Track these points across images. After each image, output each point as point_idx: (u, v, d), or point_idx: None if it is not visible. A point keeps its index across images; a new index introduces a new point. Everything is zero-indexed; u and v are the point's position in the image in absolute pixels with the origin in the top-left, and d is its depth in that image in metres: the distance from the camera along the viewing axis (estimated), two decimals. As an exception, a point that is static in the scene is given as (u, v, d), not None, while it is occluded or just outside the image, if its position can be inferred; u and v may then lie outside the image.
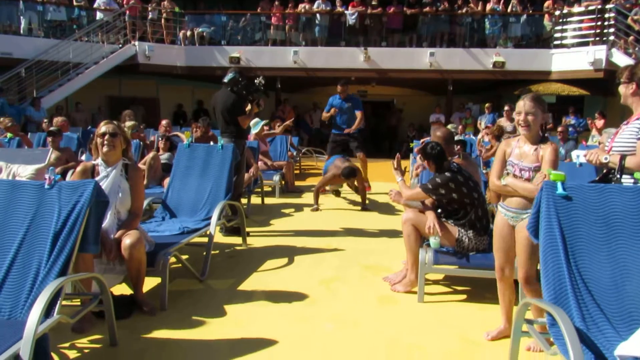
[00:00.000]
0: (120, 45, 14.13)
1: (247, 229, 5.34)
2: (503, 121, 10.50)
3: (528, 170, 2.90)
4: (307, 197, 8.09)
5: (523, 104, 2.92)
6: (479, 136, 8.64)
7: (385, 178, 9.28)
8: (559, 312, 2.16)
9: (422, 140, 8.92)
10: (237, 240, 5.26)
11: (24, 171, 4.81)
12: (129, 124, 7.59)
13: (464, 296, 3.91)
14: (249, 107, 5.55)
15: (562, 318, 2.11)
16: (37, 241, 2.67)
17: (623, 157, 2.80)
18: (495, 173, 3.04)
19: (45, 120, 9.57)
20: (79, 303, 3.07)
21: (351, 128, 8.16)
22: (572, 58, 13.83)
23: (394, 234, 5.73)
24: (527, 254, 2.88)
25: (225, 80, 5.54)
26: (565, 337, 2.02)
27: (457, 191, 3.75)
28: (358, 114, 8.25)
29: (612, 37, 13.22)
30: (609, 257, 2.43)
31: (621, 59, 12.55)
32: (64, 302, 2.64)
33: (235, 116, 5.48)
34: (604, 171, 2.91)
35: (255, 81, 5.66)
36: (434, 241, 3.73)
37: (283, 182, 8.63)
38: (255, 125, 8.44)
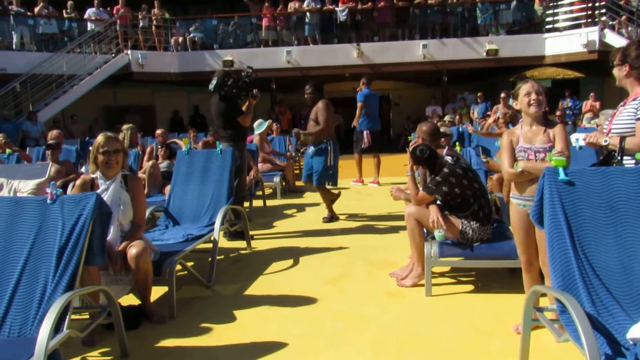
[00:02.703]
0: (113, 55, 14.14)
1: (251, 232, 5.34)
2: (500, 107, 10.49)
3: (543, 151, 2.87)
4: (309, 197, 8.08)
5: (531, 85, 2.92)
6: (489, 121, 8.64)
7: (384, 172, 9.30)
8: (568, 299, 2.15)
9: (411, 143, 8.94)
10: (241, 244, 5.26)
11: (24, 186, 4.82)
12: (126, 126, 7.58)
13: (471, 287, 3.91)
14: (246, 104, 5.51)
15: (572, 304, 2.10)
16: (42, 257, 2.67)
17: (623, 139, 2.80)
18: (508, 163, 2.98)
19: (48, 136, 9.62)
20: (87, 316, 3.08)
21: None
22: (565, 41, 13.83)
23: (396, 229, 5.73)
24: None
25: (211, 87, 5.48)
26: (576, 323, 2.01)
27: (458, 185, 3.75)
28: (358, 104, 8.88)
29: (604, 18, 13.21)
30: (616, 240, 2.43)
31: (615, 40, 12.55)
32: (72, 316, 2.64)
33: (232, 119, 5.45)
34: (605, 153, 2.91)
35: (243, 74, 5.58)
36: (438, 234, 3.71)
37: (284, 183, 8.63)
38: (260, 126, 8.45)
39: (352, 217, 6.52)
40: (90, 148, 3.56)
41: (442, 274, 4.19)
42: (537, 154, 2.89)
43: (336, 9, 15.12)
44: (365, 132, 8.88)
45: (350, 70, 15.07)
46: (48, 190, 2.90)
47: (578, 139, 5.28)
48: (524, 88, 2.94)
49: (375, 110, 9.06)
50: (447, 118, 11.99)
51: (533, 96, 2.90)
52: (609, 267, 2.39)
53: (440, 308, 3.53)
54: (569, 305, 2.11)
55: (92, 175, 3.50)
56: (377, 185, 8.98)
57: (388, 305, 3.61)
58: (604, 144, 2.86)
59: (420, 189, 3.97)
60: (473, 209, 3.76)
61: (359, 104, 8.85)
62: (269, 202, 7.74)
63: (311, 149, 6.05)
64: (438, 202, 3.92)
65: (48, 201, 2.84)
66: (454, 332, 3.14)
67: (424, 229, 3.91)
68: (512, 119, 7.78)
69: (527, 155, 2.93)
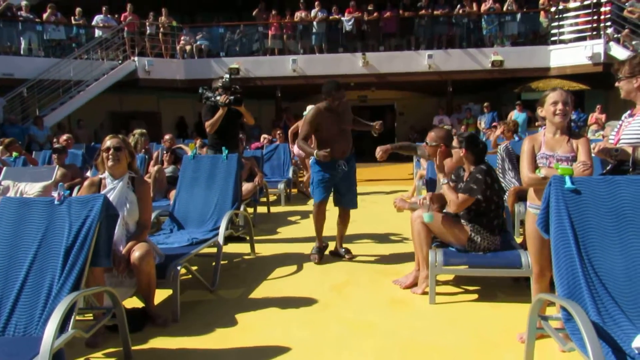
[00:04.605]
0: (120, 62, 14.25)
1: (255, 238, 5.33)
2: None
3: (565, 160, 2.85)
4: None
5: (559, 94, 2.89)
6: (496, 133, 8.65)
7: (389, 181, 9.33)
8: (574, 307, 2.15)
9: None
10: (245, 249, 5.26)
11: (31, 189, 4.85)
12: (138, 131, 7.67)
13: (476, 295, 3.90)
14: (219, 112, 5.36)
15: (577, 312, 2.10)
16: (49, 257, 2.68)
17: (635, 149, 2.79)
18: (529, 167, 2.95)
19: (54, 140, 9.75)
20: (91, 317, 3.08)
21: None
22: (570, 53, 13.87)
23: (400, 237, 5.73)
24: None
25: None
26: (582, 331, 2.01)
27: (491, 187, 3.68)
28: None
29: (609, 31, 13.24)
30: (622, 249, 2.42)
31: (620, 52, 12.57)
32: (77, 317, 2.64)
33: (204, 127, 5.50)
34: (614, 163, 2.90)
35: (219, 82, 5.51)
36: (427, 215, 3.73)
37: (288, 190, 8.64)
38: None
39: (355, 224, 6.50)
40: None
41: (446, 282, 4.18)
42: (560, 162, 2.86)
43: (342, 18, 15.21)
44: None
45: (355, 80, 15.13)
46: (55, 192, 2.93)
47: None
48: (552, 96, 2.92)
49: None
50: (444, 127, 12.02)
51: (559, 106, 2.88)
52: (614, 276, 2.38)
53: (444, 316, 3.52)
54: (575, 313, 2.10)
55: (101, 176, 3.53)
56: None
57: (392, 313, 3.60)
58: (614, 153, 2.85)
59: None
60: (490, 216, 3.72)
61: None
62: (273, 209, 7.75)
63: (341, 164, 4.75)
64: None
65: (56, 202, 2.86)
66: (459, 340, 3.13)
67: (432, 235, 3.89)
68: (516, 128, 7.80)
69: (548, 162, 2.91)
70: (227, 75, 5.55)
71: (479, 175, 3.66)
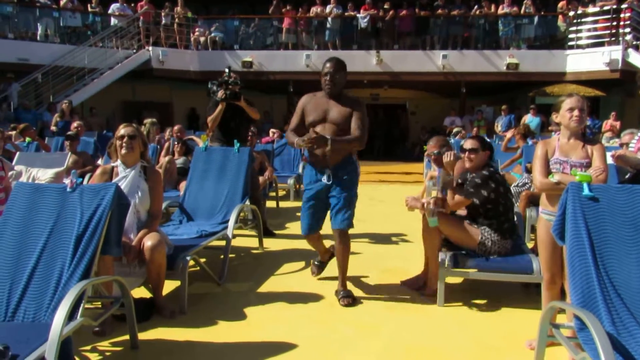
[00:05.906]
0: (135, 51, 14.29)
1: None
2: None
3: (580, 166, 2.83)
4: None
5: (576, 100, 2.87)
6: (508, 136, 8.60)
7: (398, 177, 9.29)
8: (588, 316, 2.11)
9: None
10: (254, 243, 5.25)
11: (43, 175, 4.87)
12: (149, 120, 7.69)
13: (484, 300, 3.86)
14: (219, 108, 5.33)
15: (592, 322, 2.06)
16: (60, 244, 2.68)
17: None
18: (542, 172, 2.93)
19: (54, 124, 9.82)
20: (99, 306, 3.09)
21: None
22: (587, 59, 13.71)
23: (408, 236, 5.69)
24: None
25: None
26: (596, 341, 1.98)
27: (495, 191, 3.65)
28: None
29: (628, 37, 13.08)
30: (638, 259, 2.38)
31: (638, 59, 12.42)
32: (85, 306, 2.64)
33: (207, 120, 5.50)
34: (633, 172, 2.86)
35: (225, 77, 5.45)
36: (431, 220, 3.69)
37: (298, 186, 8.62)
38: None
39: (364, 223, 6.47)
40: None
41: (455, 285, 4.14)
42: (574, 168, 2.84)
43: (357, 15, 15.14)
44: None
45: (368, 77, 15.07)
46: (66, 180, 2.92)
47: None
48: (568, 102, 2.90)
49: None
50: (455, 130, 11.96)
51: (576, 112, 2.86)
52: (630, 286, 2.34)
53: (452, 320, 3.49)
54: (589, 322, 2.07)
55: (113, 164, 3.54)
56: None
57: (399, 314, 3.57)
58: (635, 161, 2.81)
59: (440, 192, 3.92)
60: (499, 220, 3.69)
61: None
62: (282, 204, 7.74)
63: (326, 175, 3.68)
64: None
65: (68, 189, 2.86)
66: (465, 345, 3.10)
67: (442, 236, 3.86)
68: (528, 132, 7.76)
69: (562, 168, 2.88)
70: (227, 70, 5.50)
71: (478, 180, 3.66)
